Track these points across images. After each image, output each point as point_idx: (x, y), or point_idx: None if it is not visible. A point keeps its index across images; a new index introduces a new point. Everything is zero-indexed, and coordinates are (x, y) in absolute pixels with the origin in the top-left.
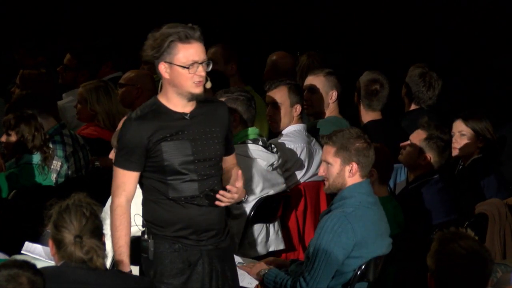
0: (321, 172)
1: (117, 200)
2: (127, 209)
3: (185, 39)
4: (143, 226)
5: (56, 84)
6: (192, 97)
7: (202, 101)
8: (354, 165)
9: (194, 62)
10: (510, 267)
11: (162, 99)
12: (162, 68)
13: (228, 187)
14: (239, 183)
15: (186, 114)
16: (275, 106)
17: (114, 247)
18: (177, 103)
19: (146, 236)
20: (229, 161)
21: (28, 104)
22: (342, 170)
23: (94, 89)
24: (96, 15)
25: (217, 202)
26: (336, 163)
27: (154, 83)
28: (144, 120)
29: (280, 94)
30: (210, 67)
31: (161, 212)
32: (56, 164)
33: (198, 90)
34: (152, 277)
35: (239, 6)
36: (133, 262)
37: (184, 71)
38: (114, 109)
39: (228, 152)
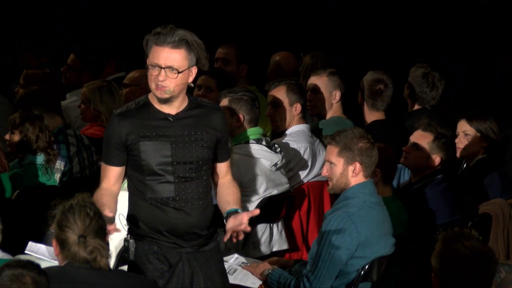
0: (325, 172)
1: (98, 188)
2: (106, 192)
3: (158, 41)
4: (127, 225)
5: (60, 84)
6: (160, 100)
7: (195, 104)
8: (357, 165)
9: (156, 65)
10: None
11: (151, 97)
12: (147, 65)
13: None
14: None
15: (170, 115)
16: (274, 105)
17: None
18: (161, 103)
19: (128, 236)
20: (222, 170)
21: (35, 101)
22: (345, 170)
23: (97, 89)
24: (99, 15)
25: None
26: (339, 163)
27: None
28: (126, 116)
29: (279, 94)
30: (177, 75)
31: (139, 212)
32: (60, 163)
33: (157, 94)
34: None
35: (243, 6)
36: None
37: (148, 72)
38: (118, 108)
39: (219, 159)
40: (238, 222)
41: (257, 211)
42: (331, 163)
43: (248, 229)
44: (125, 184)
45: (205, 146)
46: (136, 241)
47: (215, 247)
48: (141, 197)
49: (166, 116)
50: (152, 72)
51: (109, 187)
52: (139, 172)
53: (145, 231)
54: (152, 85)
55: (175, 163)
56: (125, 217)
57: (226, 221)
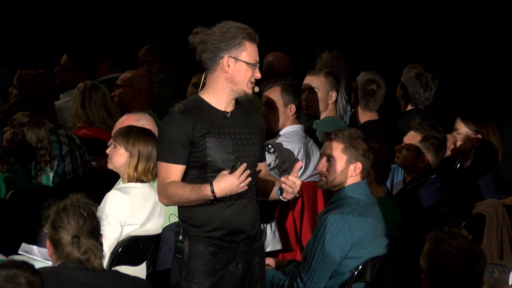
0: (321, 167)
1: (165, 185)
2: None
3: (253, 39)
4: (177, 226)
5: (53, 84)
6: (243, 96)
7: (238, 103)
8: (359, 165)
9: (257, 62)
10: (507, 267)
11: (205, 96)
12: (225, 62)
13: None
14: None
15: (227, 113)
16: (269, 106)
17: (189, 197)
18: (222, 100)
19: (181, 236)
20: (263, 170)
21: (30, 101)
22: (346, 168)
23: (78, 87)
24: (94, 16)
25: (284, 195)
26: (342, 160)
27: (152, 83)
28: (188, 113)
29: (273, 94)
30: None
31: (196, 211)
32: (53, 163)
33: (250, 90)
34: (184, 277)
35: (242, 6)
36: (129, 262)
37: (248, 68)
38: (82, 113)
39: (261, 158)
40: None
41: (300, 163)
42: (332, 158)
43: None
44: (119, 184)
45: (257, 144)
46: (191, 241)
47: (261, 246)
48: None
49: (223, 113)
50: (251, 69)
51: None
52: (200, 169)
53: (201, 231)
54: (245, 81)
55: (237, 159)
56: (177, 217)
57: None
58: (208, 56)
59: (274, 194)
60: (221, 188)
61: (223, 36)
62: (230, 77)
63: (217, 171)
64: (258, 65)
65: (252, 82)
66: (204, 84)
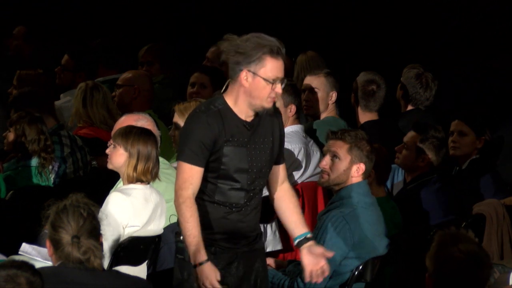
0: (324, 164)
1: (185, 193)
2: (194, 201)
3: (276, 54)
4: (178, 226)
5: (54, 85)
6: (262, 111)
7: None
8: (362, 166)
9: (277, 78)
10: (508, 267)
11: (229, 101)
12: (243, 75)
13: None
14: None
15: (247, 123)
16: None
17: (188, 239)
18: (243, 110)
19: (182, 237)
20: (281, 174)
21: (29, 101)
22: (349, 168)
23: (79, 86)
24: (94, 16)
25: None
26: (346, 159)
27: (152, 83)
28: (214, 117)
29: None
30: (284, 84)
31: (200, 213)
32: (54, 164)
33: (270, 105)
34: (186, 277)
35: (239, 7)
36: (130, 263)
37: (266, 85)
38: (83, 113)
39: (277, 161)
40: (316, 262)
41: (332, 254)
42: (336, 157)
43: (326, 273)
44: (120, 185)
45: (269, 153)
46: None
47: (262, 248)
48: (207, 198)
49: (244, 123)
50: (272, 86)
51: (196, 192)
52: (211, 173)
53: (202, 232)
54: (264, 97)
55: (249, 170)
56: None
57: (300, 251)
58: (230, 66)
59: (290, 231)
60: (201, 274)
61: (244, 49)
62: (248, 91)
63: (228, 179)
64: (279, 80)
65: (272, 98)
66: (226, 89)
